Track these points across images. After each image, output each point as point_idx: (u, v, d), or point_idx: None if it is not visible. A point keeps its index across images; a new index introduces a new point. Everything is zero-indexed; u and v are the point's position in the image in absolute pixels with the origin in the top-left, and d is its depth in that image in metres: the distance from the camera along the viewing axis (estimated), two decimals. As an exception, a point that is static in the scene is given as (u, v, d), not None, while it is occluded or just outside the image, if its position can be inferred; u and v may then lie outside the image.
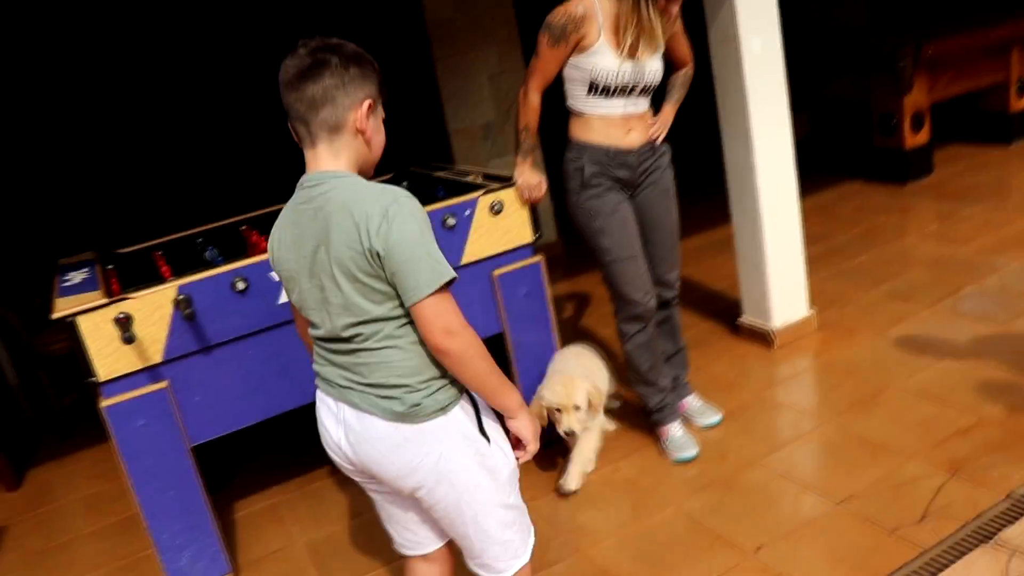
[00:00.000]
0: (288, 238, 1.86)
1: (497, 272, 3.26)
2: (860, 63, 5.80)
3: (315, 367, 1.97)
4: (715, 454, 3.30)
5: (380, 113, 1.88)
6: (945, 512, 2.72)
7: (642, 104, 3.08)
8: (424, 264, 1.69)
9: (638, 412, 3.56)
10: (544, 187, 3.19)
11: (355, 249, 1.70)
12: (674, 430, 3.36)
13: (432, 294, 1.70)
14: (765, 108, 3.72)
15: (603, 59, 2.91)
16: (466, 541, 1.98)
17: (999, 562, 2.51)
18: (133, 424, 2.79)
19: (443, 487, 1.87)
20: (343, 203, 1.72)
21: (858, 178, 6.20)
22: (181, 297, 2.76)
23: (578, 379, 3.15)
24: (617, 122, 3.04)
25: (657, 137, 3.16)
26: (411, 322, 1.78)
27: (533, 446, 1.96)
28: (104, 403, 2.75)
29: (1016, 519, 2.65)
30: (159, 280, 2.85)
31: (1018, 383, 3.36)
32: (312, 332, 1.92)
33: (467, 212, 3.18)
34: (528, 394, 3.28)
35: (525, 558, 2.02)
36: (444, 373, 1.84)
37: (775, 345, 4.00)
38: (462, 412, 1.88)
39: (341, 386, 1.87)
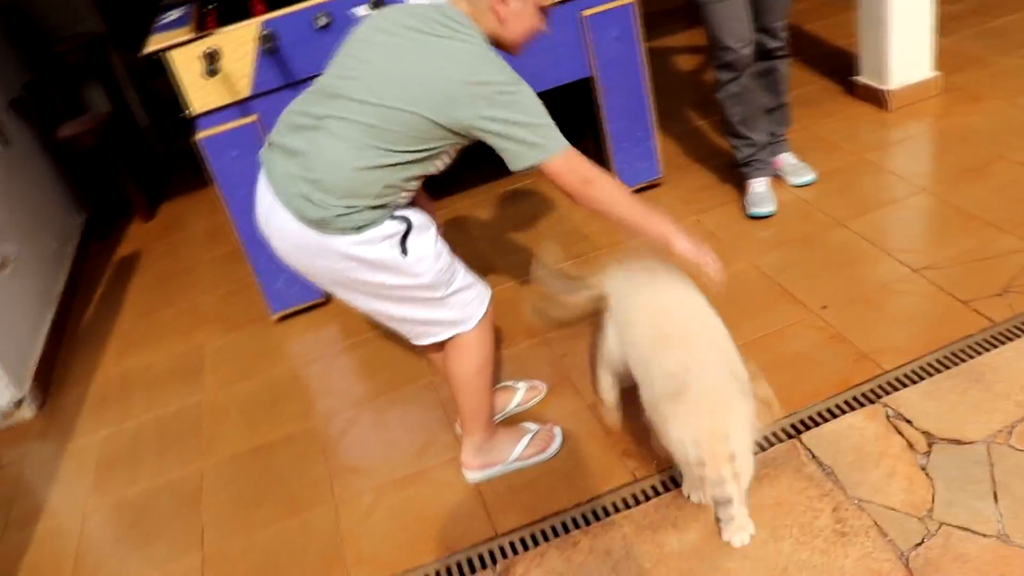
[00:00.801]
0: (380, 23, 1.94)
1: (587, 12, 3.14)
2: None
3: (271, 134, 2.04)
4: (799, 213, 3.24)
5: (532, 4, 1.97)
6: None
7: None
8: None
9: (730, 163, 3.47)
10: None
11: (452, 97, 1.80)
12: (757, 186, 3.29)
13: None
14: None
15: None
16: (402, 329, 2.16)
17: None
18: (227, 156, 2.98)
19: (351, 295, 2.05)
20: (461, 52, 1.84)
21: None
22: (264, 32, 2.82)
23: (728, 396, 1.83)
24: None
25: None
26: (398, 163, 1.87)
27: (710, 262, 2.01)
28: (199, 135, 2.94)
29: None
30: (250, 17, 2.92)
31: None
32: (292, 105, 2.00)
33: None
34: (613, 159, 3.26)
35: (473, 320, 2.14)
36: (377, 206, 1.90)
37: (890, 107, 3.74)
38: (380, 231, 1.93)
39: (280, 171, 1.95)
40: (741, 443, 1.80)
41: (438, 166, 2.00)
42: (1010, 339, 2.47)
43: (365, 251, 1.94)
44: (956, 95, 3.77)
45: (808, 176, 3.37)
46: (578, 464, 2.41)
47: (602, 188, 1.93)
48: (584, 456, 2.43)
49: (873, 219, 3.10)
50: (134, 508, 2.63)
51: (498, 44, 1.99)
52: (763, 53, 3.18)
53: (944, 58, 3.85)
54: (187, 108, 2.88)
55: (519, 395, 2.61)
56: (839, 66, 4.22)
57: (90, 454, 2.90)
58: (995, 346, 2.46)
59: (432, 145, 1.89)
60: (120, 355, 3.38)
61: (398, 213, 1.97)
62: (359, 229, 1.91)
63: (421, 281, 2.02)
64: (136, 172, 4.37)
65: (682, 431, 1.82)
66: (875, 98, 3.79)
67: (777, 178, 3.41)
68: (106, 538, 2.59)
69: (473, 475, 2.39)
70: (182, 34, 2.82)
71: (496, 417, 2.50)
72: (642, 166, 3.50)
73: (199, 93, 2.87)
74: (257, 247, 3.13)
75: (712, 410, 1.81)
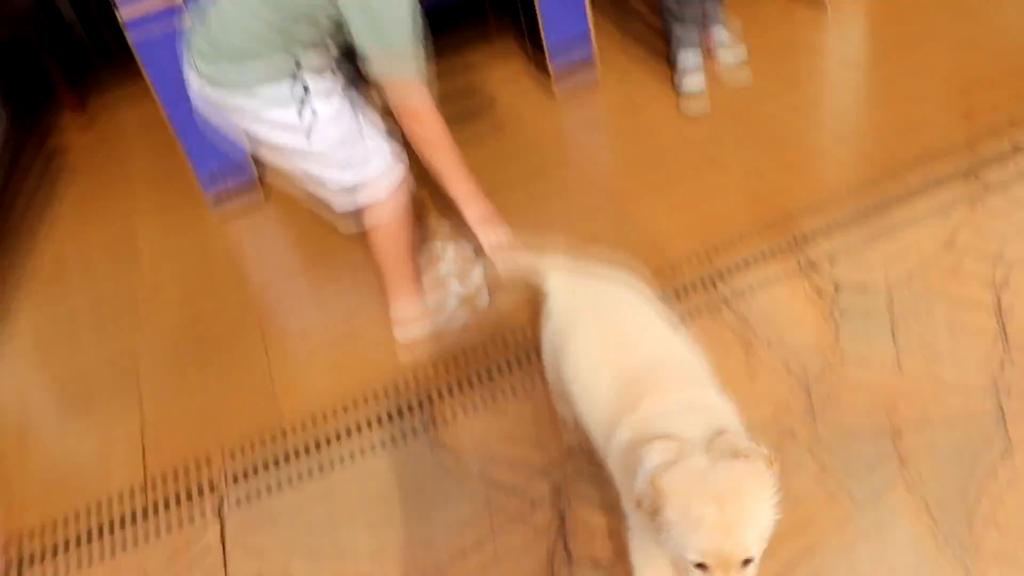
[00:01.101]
0: None
1: None
2: None
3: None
4: (729, 88, 3.29)
5: None
6: (941, 150, 2.71)
7: None
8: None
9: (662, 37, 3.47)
10: None
11: None
12: (686, 60, 3.28)
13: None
14: None
15: None
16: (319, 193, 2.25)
17: (969, 192, 2.55)
18: (152, 36, 2.92)
19: (264, 152, 2.17)
20: None
21: None
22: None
23: (739, 497, 1.21)
24: None
25: None
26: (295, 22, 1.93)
27: (495, 242, 2.04)
28: (123, 15, 2.88)
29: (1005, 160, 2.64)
30: None
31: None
32: None
33: None
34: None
35: (377, 191, 2.19)
36: (268, 66, 1.97)
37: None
38: (273, 92, 2.00)
39: (188, 34, 2.05)
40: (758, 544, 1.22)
41: (323, 39, 2.03)
42: (921, 197, 2.58)
43: (260, 108, 2.03)
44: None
45: (739, 52, 3.40)
46: (504, 318, 2.49)
47: (430, 126, 2.00)
48: (508, 311, 2.52)
49: (801, 95, 3.16)
50: (74, 382, 2.67)
51: None
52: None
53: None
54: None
55: (447, 254, 2.69)
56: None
57: (27, 335, 2.92)
58: (908, 205, 2.57)
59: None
60: (55, 241, 3.36)
61: (297, 77, 2.03)
62: (251, 86, 1.99)
63: (316, 145, 2.08)
64: (63, 65, 4.26)
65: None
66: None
67: (709, 54, 3.43)
68: (47, 410, 2.63)
69: (402, 332, 2.47)
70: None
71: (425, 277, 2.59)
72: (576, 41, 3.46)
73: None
74: (188, 130, 3.11)
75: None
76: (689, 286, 2.42)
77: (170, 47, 2.85)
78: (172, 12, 2.88)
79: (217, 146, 3.12)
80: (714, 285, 2.42)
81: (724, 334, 2.28)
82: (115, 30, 3.07)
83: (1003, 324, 2.15)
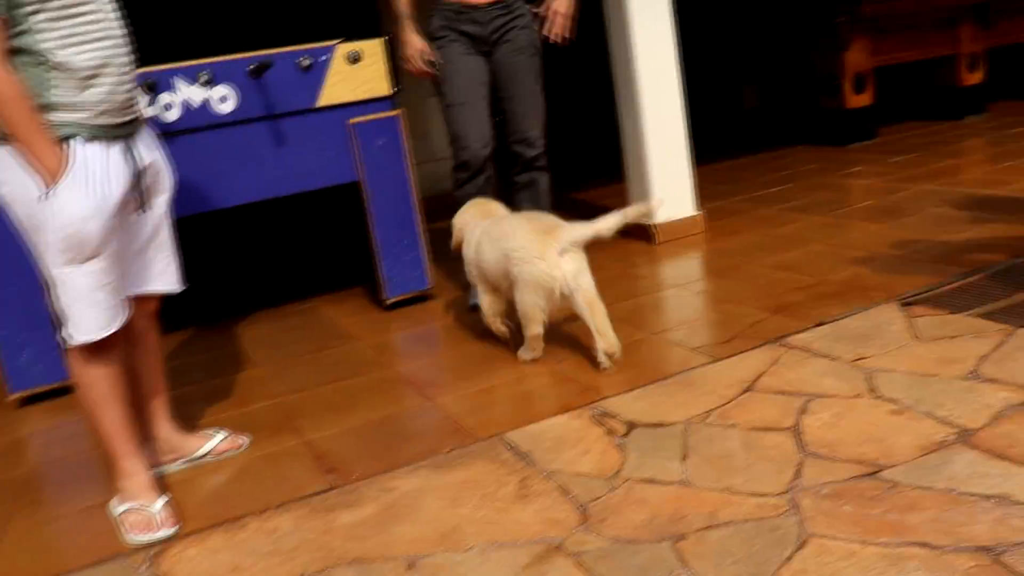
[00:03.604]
0: None
1: (353, 120, 3.37)
2: (802, 23, 5.87)
3: None
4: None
5: None
6: (752, 333, 2.71)
7: None
8: None
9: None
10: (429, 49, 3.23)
11: None
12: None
13: None
14: (644, 5, 3.83)
15: None
16: None
17: (773, 354, 2.50)
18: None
19: (10, 215, 1.94)
20: None
21: (802, 143, 6.19)
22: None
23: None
24: None
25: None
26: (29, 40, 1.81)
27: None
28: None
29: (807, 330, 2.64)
30: None
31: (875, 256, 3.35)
32: None
33: (323, 57, 3.31)
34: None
35: (77, 339, 1.98)
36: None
37: (656, 240, 4.00)
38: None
39: None
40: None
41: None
42: (726, 363, 2.51)
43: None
44: (716, 232, 4.09)
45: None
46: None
47: None
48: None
49: (623, 307, 3.19)
50: None
51: None
52: (523, 164, 3.42)
53: (709, 212, 4.23)
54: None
55: (212, 442, 2.40)
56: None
57: None
58: (712, 368, 2.49)
59: None
60: None
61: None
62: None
63: (50, 234, 1.89)
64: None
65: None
66: (644, 234, 4.05)
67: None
68: None
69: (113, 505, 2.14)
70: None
71: (177, 459, 2.36)
72: (411, 274, 3.56)
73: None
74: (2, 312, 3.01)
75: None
76: (478, 448, 2.21)
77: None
78: None
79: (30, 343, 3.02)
80: (502, 439, 2.22)
81: (499, 470, 2.06)
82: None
83: (800, 438, 1.99)
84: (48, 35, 1.83)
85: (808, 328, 2.66)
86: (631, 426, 2.18)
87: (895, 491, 1.74)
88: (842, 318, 2.71)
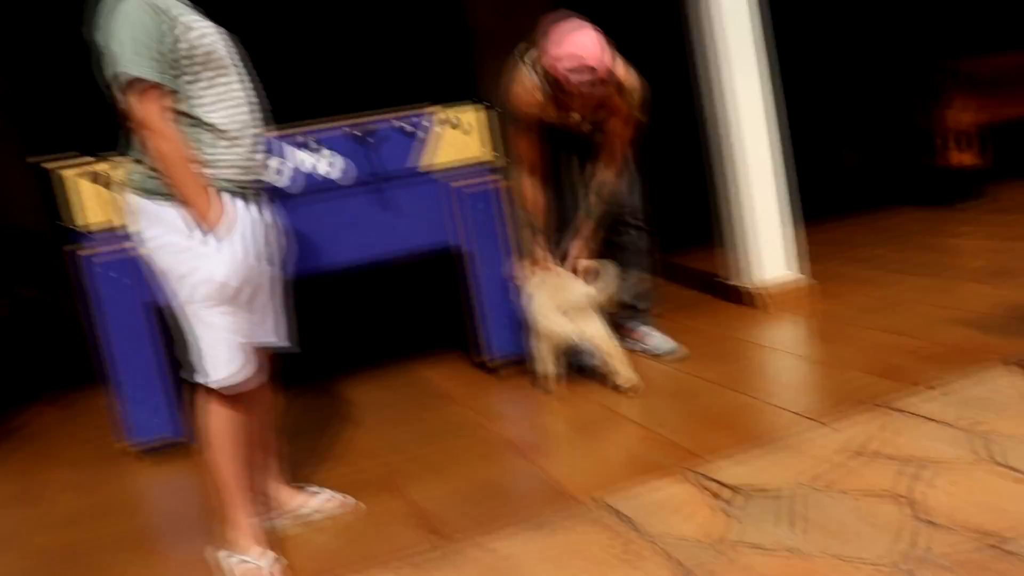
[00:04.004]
0: None
1: (455, 184, 3.47)
2: (901, 81, 5.78)
3: None
4: (656, 372, 3.31)
5: None
6: (859, 397, 2.65)
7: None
8: (125, 55, 1.94)
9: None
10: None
11: None
12: (651, 332, 3.52)
13: (132, 88, 1.95)
14: (740, 60, 3.84)
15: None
16: None
17: (881, 419, 2.43)
18: (105, 275, 3.12)
19: (156, 267, 2.10)
20: None
21: (905, 204, 6.04)
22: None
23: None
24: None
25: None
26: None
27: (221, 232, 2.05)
28: (82, 253, 3.11)
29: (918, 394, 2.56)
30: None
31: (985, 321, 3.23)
32: None
33: (425, 122, 3.44)
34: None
35: (214, 381, 2.11)
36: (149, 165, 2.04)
37: (757, 304, 3.95)
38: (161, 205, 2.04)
39: None
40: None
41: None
42: (833, 428, 2.45)
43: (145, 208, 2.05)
44: (819, 295, 4.00)
45: (667, 345, 3.48)
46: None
47: (161, 143, 1.97)
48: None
49: (726, 371, 3.17)
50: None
51: None
52: (623, 226, 3.48)
53: (812, 275, 4.17)
54: (71, 222, 3.10)
55: (319, 500, 2.47)
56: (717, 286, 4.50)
57: None
58: (818, 432, 2.44)
59: None
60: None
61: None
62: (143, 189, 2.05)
63: (197, 279, 2.04)
64: (47, 360, 4.47)
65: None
66: (745, 298, 4.01)
67: (644, 350, 3.54)
68: None
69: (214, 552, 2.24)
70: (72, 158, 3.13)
71: (283, 515, 2.43)
72: (512, 338, 3.55)
73: (84, 212, 3.11)
74: (119, 371, 3.17)
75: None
76: (581, 511, 2.20)
77: (121, 287, 3.07)
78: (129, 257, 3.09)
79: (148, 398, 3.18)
80: (604, 503, 2.22)
81: (602, 534, 2.05)
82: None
83: (915, 505, 1.92)
84: (202, 100, 2.04)
85: (918, 392, 2.58)
86: (736, 491, 2.14)
87: (1022, 565, 1.66)
88: (954, 381, 2.61)
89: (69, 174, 3.09)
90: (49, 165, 3.10)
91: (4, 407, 4.38)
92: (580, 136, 3.34)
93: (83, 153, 3.11)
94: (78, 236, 3.13)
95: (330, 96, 5.35)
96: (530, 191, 3.42)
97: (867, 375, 2.83)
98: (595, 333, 3.08)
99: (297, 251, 3.31)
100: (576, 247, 3.38)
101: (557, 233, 3.47)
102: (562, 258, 3.39)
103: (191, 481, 2.94)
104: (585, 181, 3.48)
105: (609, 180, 3.38)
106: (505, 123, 3.39)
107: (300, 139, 3.30)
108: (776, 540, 1.89)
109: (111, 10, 1.99)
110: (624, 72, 3.14)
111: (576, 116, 3.22)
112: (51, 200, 3.57)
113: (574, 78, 2.97)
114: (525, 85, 3.16)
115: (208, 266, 2.03)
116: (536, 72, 3.13)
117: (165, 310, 2.21)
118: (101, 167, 3.08)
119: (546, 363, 3.23)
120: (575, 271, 3.30)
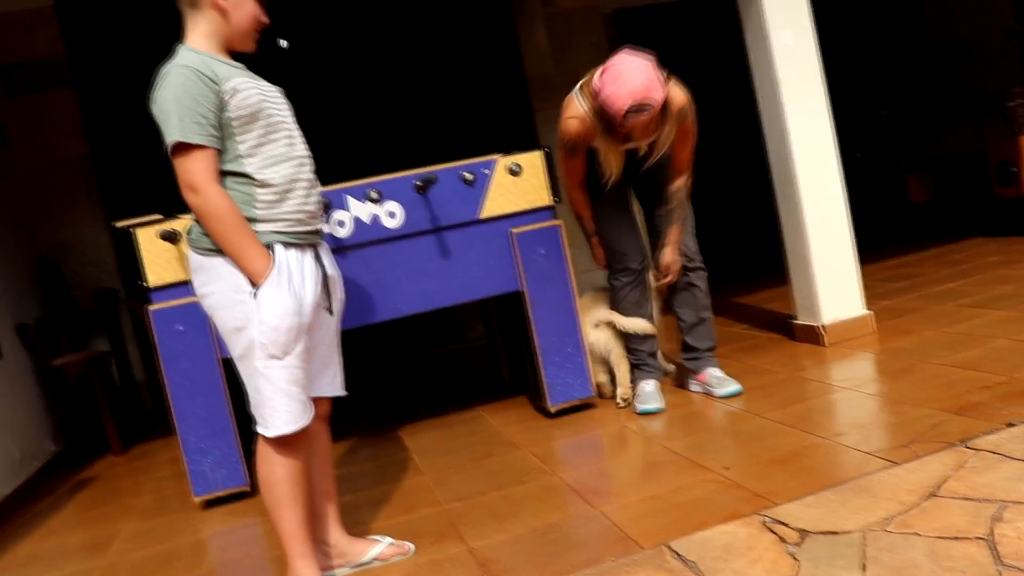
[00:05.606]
0: None
1: (515, 231, 3.49)
2: (972, 110, 5.64)
3: None
4: (720, 412, 3.25)
5: None
6: (933, 435, 2.55)
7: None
8: (171, 122, 2.03)
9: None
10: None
11: None
12: (645, 386, 3.51)
13: (177, 151, 2.03)
14: (800, 99, 3.81)
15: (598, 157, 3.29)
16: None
17: (958, 458, 2.33)
18: (173, 328, 3.22)
19: (214, 321, 2.17)
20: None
21: (979, 235, 5.84)
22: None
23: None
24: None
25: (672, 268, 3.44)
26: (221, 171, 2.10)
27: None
28: (151, 307, 3.21)
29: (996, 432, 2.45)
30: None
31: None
32: None
33: (485, 171, 3.48)
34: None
35: (272, 432, 2.15)
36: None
37: (824, 342, 3.86)
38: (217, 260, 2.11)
39: None
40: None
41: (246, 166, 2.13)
42: (906, 467, 2.36)
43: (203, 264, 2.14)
44: (888, 331, 3.89)
45: (732, 387, 3.41)
46: None
47: (205, 202, 2.04)
48: None
49: (793, 411, 3.09)
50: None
51: (228, 41, 2.20)
52: (681, 270, 3.45)
53: (879, 311, 4.06)
54: (144, 279, 3.20)
55: (379, 548, 2.46)
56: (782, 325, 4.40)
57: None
58: (890, 472, 2.35)
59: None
60: (36, 538, 3.33)
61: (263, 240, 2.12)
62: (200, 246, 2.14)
63: (255, 331, 2.09)
64: (117, 413, 4.58)
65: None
66: (812, 336, 3.93)
67: (706, 393, 3.49)
68: None
69: None
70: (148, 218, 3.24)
71: (344, 563, 2.43)
72: (574, 382, 3.57)
73: (156, 269, 3.21)
74: (190, 421, 3.25)
75: None
76: (644, 557, 2.15)
77: (187, 340, 3.15)
78: (197, 307, 3.17)
79: (214, 445, 3.24)
80: (668, 547, 2.16)
81: (668, 576, 1.99)
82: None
83: (996, 549, 1.82)
84: (252, 159, 2.11)
85: (997, 430, 2.47)
86: (804, 534, 2.07)
87: (1112, 610, 1.56)
88: (1036, 419, 2.49)
89: (143, 233, 3.20)
90: (124, 224, 3.22)
91: (78, 459, 4.51)
92: (636, 160, 3.35)
93: (166, 215, 3.23)
94: (150, 292, 3.23)
95: (393, 150, 5.49)
96: (582, 200, 3.45)
97: (942, 412, 2.73)
98: (614, 348, 3.60)
99: (363, 301, 3.38)
100: (667, 254, 3.41)
101: (614, 268, 3.51)
102: (656, 267, 3.49)
103: (256, 531, 2.98)
104: (644, 209, 3.57)
105: (682, 186, 3.40)
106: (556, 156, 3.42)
107: (362, 191, 3.37)
108: (847, 586, 1.81)
109: (159, 80, 2.08)
110: (676, 93, 3.15)
111: (636, 143, 3.23)
112: (127, 259, 3.72)
113: (631, 119, 2.98)
114: (579, 114, 3.17)
115: (263, 316, 2.07)
116: (591, 105, 3.14)
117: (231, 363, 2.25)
118: (172, 226, 3.19)
119: (596, 373, 3.64)
120: (667, 275, 3.44)
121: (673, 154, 3.31)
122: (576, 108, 3.18)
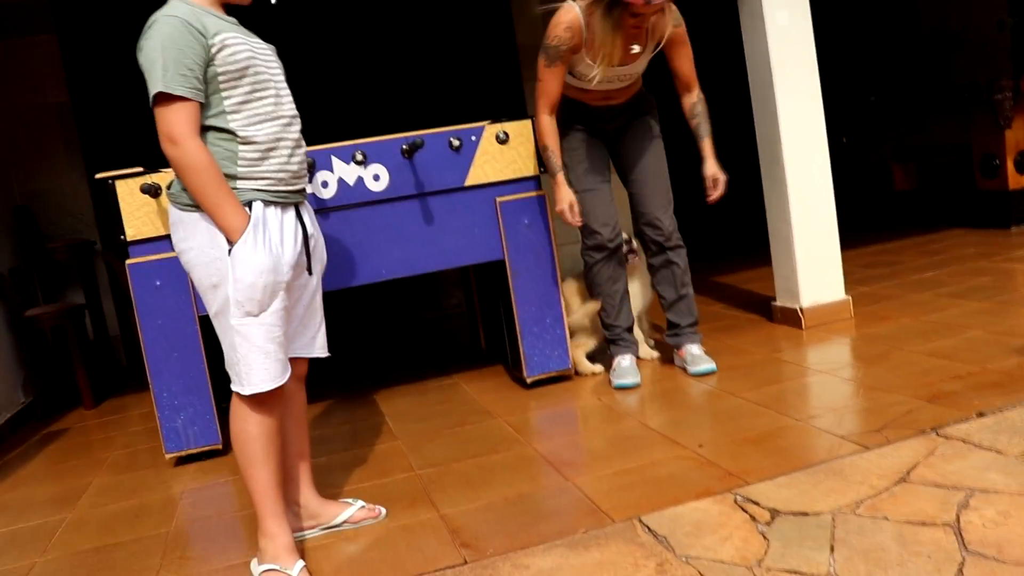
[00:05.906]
0: None
1: (500, 199, 3.47)
2: (959, 101, 5.66)
3: None
4: (697, 389, 3.27)
5: None
6: (905, 422, 2.57)
7: (622, 83, 3.33)
8: (155, 72, 1.98)
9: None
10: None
11: None
12: (622, 360, 3.52)
13: (160, 102, 1.99)
14: (792, 81, 3.79)
15: (581, 66, 3.24)
16: None
17: (928, 445, 2.36)
18: (151, 283, 3.18)
19: (192, 277, 2.15)
20: None
21: (961, 226, 5.89)
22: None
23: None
24: (596, 94, 3.35)
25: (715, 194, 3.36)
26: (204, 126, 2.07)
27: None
28: (129, 261, 3.17)
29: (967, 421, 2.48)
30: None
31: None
32: None
33: (473, 137, 3.44)
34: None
35: (248, 389, 2.11)
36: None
37: (803, 325, 3.88)
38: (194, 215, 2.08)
39: None
40: None
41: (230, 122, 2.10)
42: (877, 452, 2.38)
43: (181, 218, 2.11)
44: (865, 317, 3.93)
45: (705, 366, 3.43)
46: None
47: (183, 155, 1.99)
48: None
49: (768, 391, 3.11)
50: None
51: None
52: (656, 247, 3.46)
53: (858, 297, 4.09)
54: (123, 233, 3.15)
55: (351, 511, 2.46)
56: (761, 306, 4.43)
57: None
58: (862, 457, 2.37)
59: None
60: (9, 489, 3.31)
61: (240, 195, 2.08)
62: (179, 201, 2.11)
63: (231, 288, 2.06)
64: (90, 367, 4.55)
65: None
66: (790, 318, 3.95)
67: (683, 369, 3.51)
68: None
69: (253, 565, 2.24)
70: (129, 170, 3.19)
71: (315, 525, 2.44)
72: (551, 354, 3.58)
73: (135, 223, 3.16)
74: (164, 377, 3.22)
75: None
76: (615, 530, 2.16)
77: (165, 293, 3.12)
78: (175, 262, 3.13)
79: (188, 402, 3.22)
80: (640, 521, 2.17)
81: (635, 553, 2.01)
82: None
83: (962, 535, 1.85)
84: (236, 115, 2.08)
85: (968, 419, 2.50)
86: (775, 513, 2.09)
87: (1073, 599, 1.59)
88: (1007, 409, 2.53)
89: (123, 185, 3.15)
90: (104, 175, 3.16)
91: (48, 411, 4.48)
92: (612, 105, 3.37)
93: (148, 168, 3.18)
94: (129, 246, 3.18)
95: (382, 114, 5.43)
96: (551, 130, 3.30)
97: (914, 400, 2.75)
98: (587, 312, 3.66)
99: (345, 263, 3.35)
100: (709, 166, 3.34)
101: (590, 228, 3.41)
102: (704, 181, 3.36)
103: (228, 489, 2.97)
104: (619, 170, 3.55)
105: (696, 100, 3.41)
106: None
107: (348, 152, 3.33)
108: (815, 565, 1.84)
109: (147, 28, 2.03)
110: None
111: (638, 48, 3.19)
112: (106, 211, 3.65)
113: (653, 4, 2.96)
114: (573, 14, 3.12)
115: (240, 273, 2.04)
116: (588, 11, 3.10)
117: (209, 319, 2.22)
118: (153, 179, 3.14)
119: (577, 345, 3.69)
120: (715, 188, 3.33)
121: (676, 69, 3.35)
122: (570, 9, 3.14)
